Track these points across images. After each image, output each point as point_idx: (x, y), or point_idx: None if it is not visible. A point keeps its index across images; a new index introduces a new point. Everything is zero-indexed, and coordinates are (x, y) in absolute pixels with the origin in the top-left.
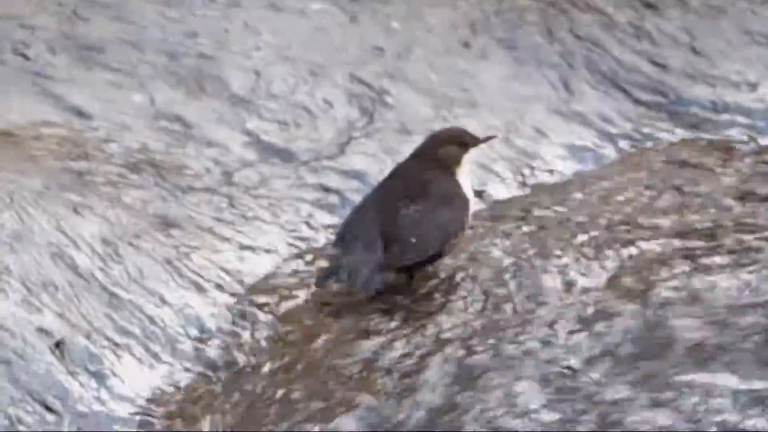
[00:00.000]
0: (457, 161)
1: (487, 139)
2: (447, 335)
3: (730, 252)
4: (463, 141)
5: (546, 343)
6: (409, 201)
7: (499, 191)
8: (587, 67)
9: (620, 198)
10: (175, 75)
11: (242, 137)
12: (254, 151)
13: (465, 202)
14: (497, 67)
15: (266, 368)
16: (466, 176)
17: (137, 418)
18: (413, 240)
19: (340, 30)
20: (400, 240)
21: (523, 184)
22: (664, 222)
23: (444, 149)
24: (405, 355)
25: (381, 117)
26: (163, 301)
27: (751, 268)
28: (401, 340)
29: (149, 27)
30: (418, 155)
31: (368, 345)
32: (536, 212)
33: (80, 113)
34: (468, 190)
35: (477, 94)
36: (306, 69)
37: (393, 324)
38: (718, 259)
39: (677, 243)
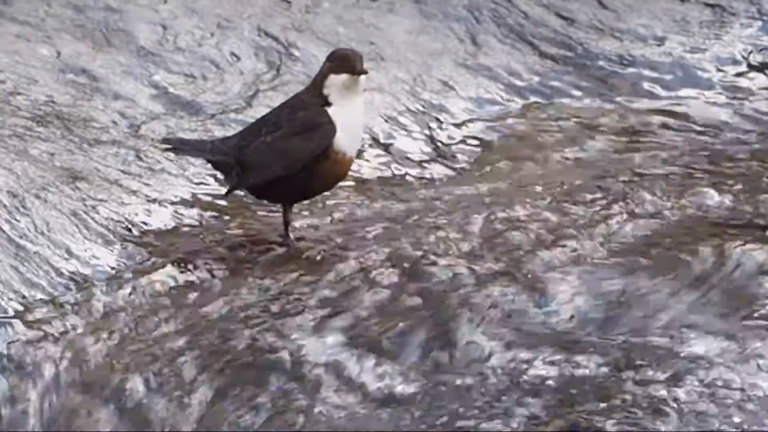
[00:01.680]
0: (323, 77)
1: (363, 72)
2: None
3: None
4: (336, 62)
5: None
6: (272, 129)
7: (407, 144)
8: (494, 21)
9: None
10: (81, 28)
11: (149, 90)
12: (161, 104)
13: (327, 132)
14: (404, 21)
15: (161, 316)
16: (352, 110)
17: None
18: (252, 162)
19: None
20: (245, 165)
21: (430, 138)
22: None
23: (321, 66)
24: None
25: (288, 70)
26: (70, 253)
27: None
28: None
29: None
30: (311, 81)
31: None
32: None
33: None
34: (345, 121)
35: (384, 48)
36: (213, 22)
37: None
38: None
39: None
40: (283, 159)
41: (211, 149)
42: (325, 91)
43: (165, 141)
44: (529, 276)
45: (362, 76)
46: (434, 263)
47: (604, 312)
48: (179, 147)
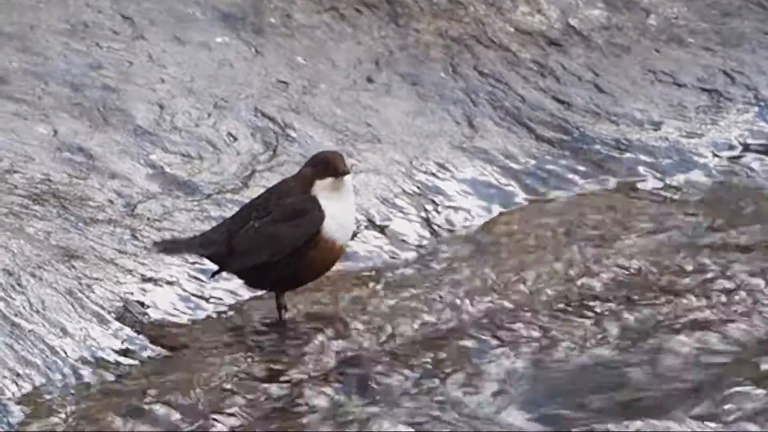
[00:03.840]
0: (309, 183)
1: (345, 173)
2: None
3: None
4: (318, 166)
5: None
6: (261, 215)
7: (403, 227)
8: (491, 104)
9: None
10: (79, 106)
11: (146, 169)
12: (157, 183)
13: (315, 218)
14: (401, 103)
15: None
16: (341, 199)
17: None
18: (242, 249)
19: (244, 63)
20: (234, 250)
21: (426, 221)
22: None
23: (305, 169)
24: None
25: (285, 151)
26: (65, 332)
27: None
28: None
29: (54, 58)
30: (299, 170)
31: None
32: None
33: None
34: (335, 209)
35: (381, 129)
36: (210, 102)
37: None
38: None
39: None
40: (271, 244)
41: (201, 243)
42: (313, 193)
43: (156, 245)
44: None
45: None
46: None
47: None
48: (171, 248)
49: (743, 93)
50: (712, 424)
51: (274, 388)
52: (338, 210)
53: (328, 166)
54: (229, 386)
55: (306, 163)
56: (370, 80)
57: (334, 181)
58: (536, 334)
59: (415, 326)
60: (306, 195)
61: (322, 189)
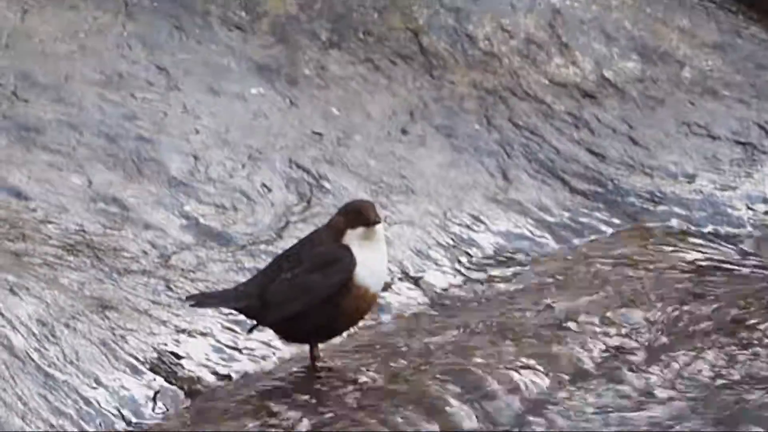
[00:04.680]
0: (341, 232)
1: (376, 222)
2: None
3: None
4: (350, 216)
5: None
6: (293, 265)
7: (437, 278)
8: (525, 156)
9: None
10: (113, 157)
11: (180, 220)
12: (192, 234)
13: (346, 266)
14: (435, 154)
15: None
16: (371, 246)
17: None
18: (275, 300)
19: (279, 114)
20: (267, 303)
21: (459, 272)
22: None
23: (336, 218)
24: None
25: (319, 202)
26: (99, 382)
27: None
28: None
29: (89, 109)
30: (330, 219)
31: None
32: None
33: (18, 194)
34: (367, 256)
35: (415, 181)
36: (244, 153)
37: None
38: None
39: None
40: (304, 294)
41: (235, 297)
42: (345, 242)
43: (189, 298)
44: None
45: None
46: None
47: None
48: (204, 302)
49: None
50: None
51: None
52: (370, 257)
53: (359, 215)
54: None
55: (337, 213)
56: (404, 132)
57: (365, 231)
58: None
59: None
60: (337, 244)
61: (354, 238)
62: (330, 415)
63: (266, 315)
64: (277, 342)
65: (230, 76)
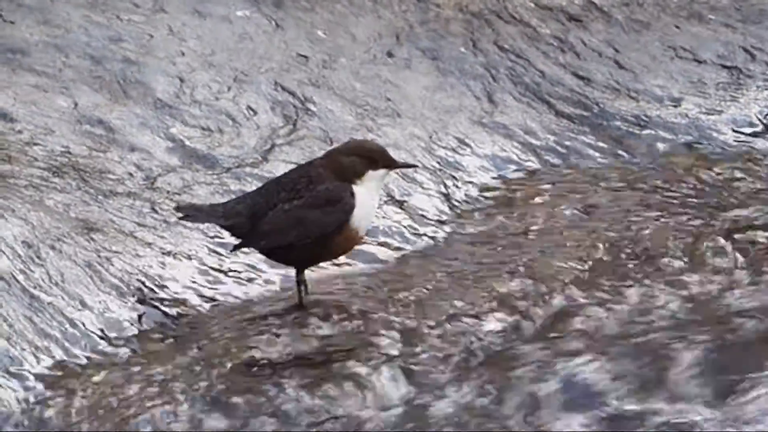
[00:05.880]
0: (358, 174)
1: (405, 166)
2: None
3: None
4: (373, 157)
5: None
6: (291, 197)
7: (422, 202)
8: (511, 79)
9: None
10: (99, 79)
11: (165, 143)
12: (177, 156)
13: (346, 209)
14: (421, 77)
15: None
16: (370, 190)
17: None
18: (268, 229)
19: (264, 37)
20: (260, 229)
21: (446, 196)
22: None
23: (349, 159)
24: None
25: (304, 125)
26: (84, 304)
27: None
28: None
29: (74, 31)
30: (328, 156)
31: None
32: None
33: (4, 116)
34: (364, 200)
35: (400, 104)
36: (230, 76)
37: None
38: None
39: None
40: (298, 228)
41: (223, 214)
42: (361, 183)
43: (178, 209)
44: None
45: None
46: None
47: None
48: (192, 214)
49: (763, 70)
50: None
51: (287, 373)
52: (368, 201)
53: (384, 156)
54: (238, 367)
55: (342, 151)
56: (390, 55)
57: (385, 173)
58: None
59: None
60: (340, 183)
61: (371, 179)
62: (316, 344)
63: (256, 241)
64: (263, 265)
65: None
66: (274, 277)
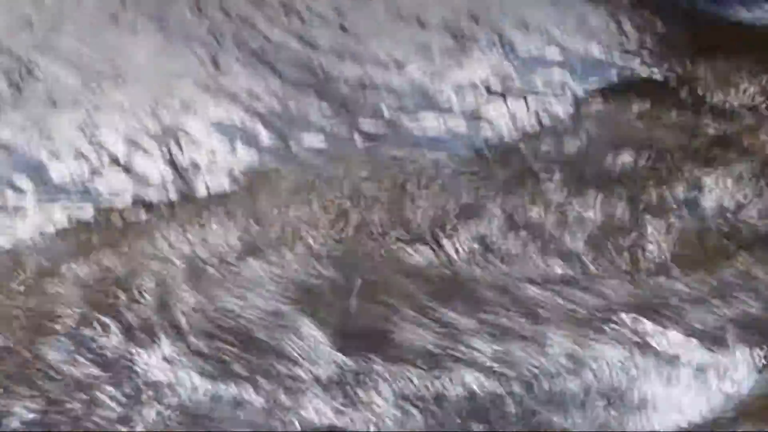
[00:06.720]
0: None
1: None
2: None
3: None
4: None
5: None
6: None
7: (146, 166)
8: (236, 44)
9: None
10: None
11: None
12: None
13: None
14: (146, 42)
15: None
16: None
17: None
18: None
19: None
20: None
21: (170, 161)
22: None
23: None
24: None
25: (29, 88)
26: None
27: None
28: None
29: None
30: None
31: None
32: None
33: None
34: None
35: (126, 68)
36: None
37: None
38: None
39: None
40: None
41: None
42: None
43: None
44: None
45: None
46: None
47: None
48: None
49: (487, 34)
50: None
51: None
52: None
53: None
54: None
55: None
56: (115, 19)
57: None
58: None
59: None
60: None
61: None
62: None
63: None
64: None
65: None
66: None
